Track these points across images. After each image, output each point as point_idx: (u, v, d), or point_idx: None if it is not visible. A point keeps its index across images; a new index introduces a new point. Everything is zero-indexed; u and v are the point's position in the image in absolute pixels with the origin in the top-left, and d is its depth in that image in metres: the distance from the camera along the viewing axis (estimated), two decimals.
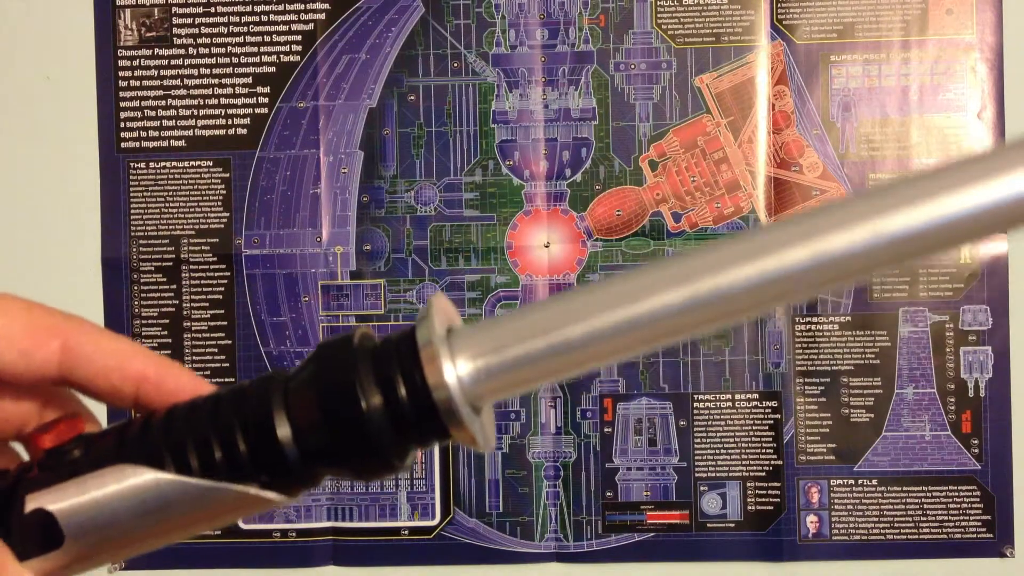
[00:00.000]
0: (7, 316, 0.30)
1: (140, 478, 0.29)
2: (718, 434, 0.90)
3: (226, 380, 0.92)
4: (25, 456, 0.32)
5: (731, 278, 0.27)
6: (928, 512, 0.89)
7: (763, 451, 0.90)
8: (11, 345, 0.30)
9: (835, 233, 0.27)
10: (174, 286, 0.92)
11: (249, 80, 0.92)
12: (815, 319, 0.90)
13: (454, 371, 0.28)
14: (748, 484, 0.90)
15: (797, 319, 0.90)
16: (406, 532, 0.91)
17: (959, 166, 0.27)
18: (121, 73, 0.92)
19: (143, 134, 0.92)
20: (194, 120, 0.92)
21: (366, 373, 0.29)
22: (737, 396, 0.90)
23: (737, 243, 0.28)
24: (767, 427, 0.90)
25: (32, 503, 0.29)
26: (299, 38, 0.92)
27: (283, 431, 0.29)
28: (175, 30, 0.92)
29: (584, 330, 0.28)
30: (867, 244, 0.27)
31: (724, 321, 0.28)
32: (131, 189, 0.92)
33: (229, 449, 0.29)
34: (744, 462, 0.90)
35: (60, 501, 0.29)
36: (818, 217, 0.27)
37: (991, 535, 0.89)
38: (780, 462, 0.90)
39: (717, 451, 0.90)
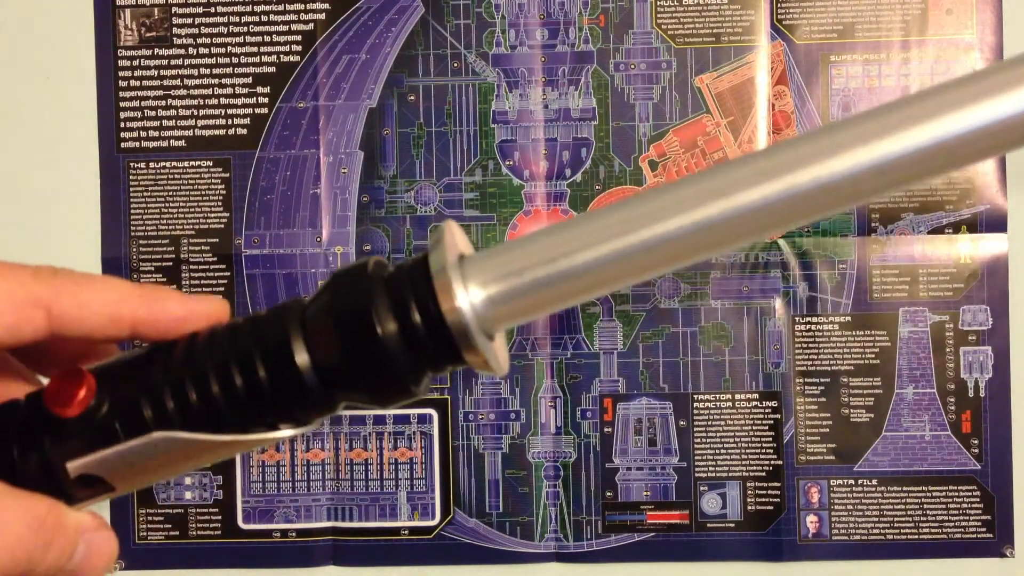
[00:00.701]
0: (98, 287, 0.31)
1: (173, 441, 0.30)
2: (718, 434, 0.90)
3: None
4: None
5: (736, 201, 0.28)
6: (928, 512, 0.89)
7: (763, 451, 0.90)
8: None
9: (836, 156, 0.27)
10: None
11: (249, 80, 0.92)
12: (815, 319, 0.90)
13: (467, 297, 0.28)
14: (748, 484, 0.90)
15: (797, 319, 0.90)
16: (406, 532, 0.91)
17: (962, 82, 0.27)
18: (121, 73, 0.92)
19: (143, 134, 0.92)
20: (194, 120, 0.92)
21: (381, 299, 0.29)
22: (737, 396, 0.90)
23: (741, 166, 0.28)
24: (767, 427, 0.90)
25: (76, 471, 0.30)
26: (299, 38, 0.92)
27: (301, 357, 0.29)
28: (175, 30, 0.92)
29: (593, 255, 0.28)
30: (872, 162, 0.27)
31: (729, 244, 0.28)
32: (131, 189, 0.92)
33: (251, 387, 0.29)
34: (744, 462, 0.90)
35: (103, 466, 0.30)
36: (826, 135, 0.28)
37: (991, 535, 0.89)
38: (780, 462, 0.90)
39: (717, 451, 0.90)
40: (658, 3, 0.90)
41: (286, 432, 0.30)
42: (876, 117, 0.28)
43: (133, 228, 0.92)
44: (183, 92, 0.92)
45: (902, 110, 0.28)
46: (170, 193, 0.92)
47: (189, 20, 0.92)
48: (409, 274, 0.30)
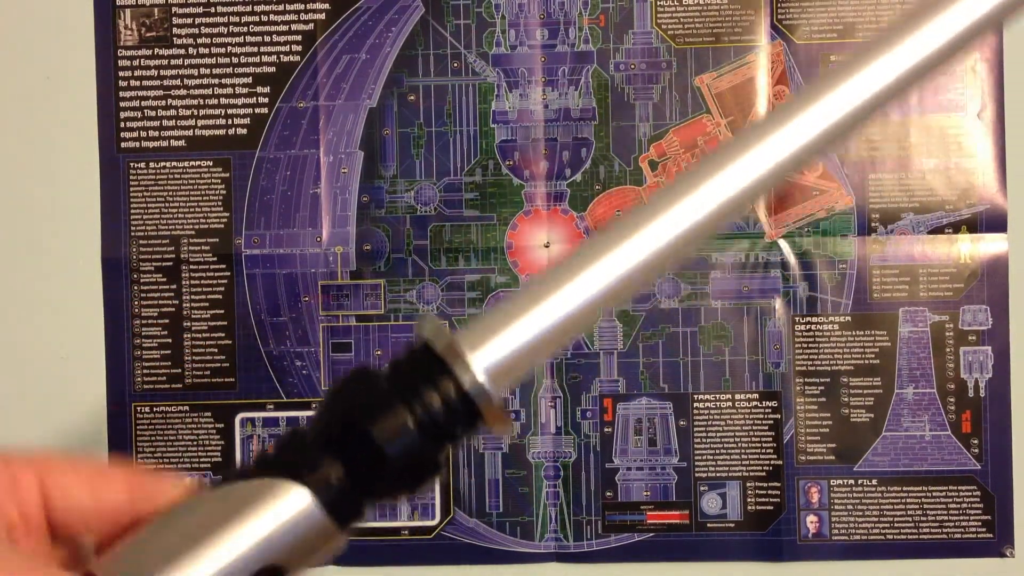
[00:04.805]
0: (73, 469, 0.31)
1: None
2: (718, 434, 0.90)
3: (226, 380, 0.92)
4: None
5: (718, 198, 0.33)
6: (928, 512, 0.89)
7: (763, 451, 0.90)
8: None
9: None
10: (174, 286, 0.92)
11: (249, 80, 0.92)
12: (815, 319, 0.90)
13: (480, 365, 0.30)
14: (748, 484, 0.90)
15: (797, 319, 0.90)
16: (406, 532, 0.91)
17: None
18: (121, 73, 0.92)
19: (143, 134, 0.92)
20: (194, 120, 0.92)
21: (398, 394, 0.30)
22: (737, 396, 0.90)
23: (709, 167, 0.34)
24: (767, 427, 0.90)
25: None
26: (299, 38, 0.92)
27: (336, 473, 0.30)
28: (175, 30, 0.92)
29: (568, 299, 0.31)
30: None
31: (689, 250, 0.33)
32: (131, 189, 0.92)
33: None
34: (744, 462, 0.90)
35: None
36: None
37: (991, 535, 0.89)
38: (780, 462, 0.90)
39: (717, 451, 0.90)
40: (658, 3, 0.90)
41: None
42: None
43: (133, 228, 0.92)
44: (183, 92, 0.92)
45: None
46: (170, 193, 0.92)
47: (189, 20, 0.92)
48: (415, 361, 0.31)
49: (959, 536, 0.89)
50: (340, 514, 0.31)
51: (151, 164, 0.92)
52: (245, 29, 0.92)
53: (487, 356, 0.31)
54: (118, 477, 0.32)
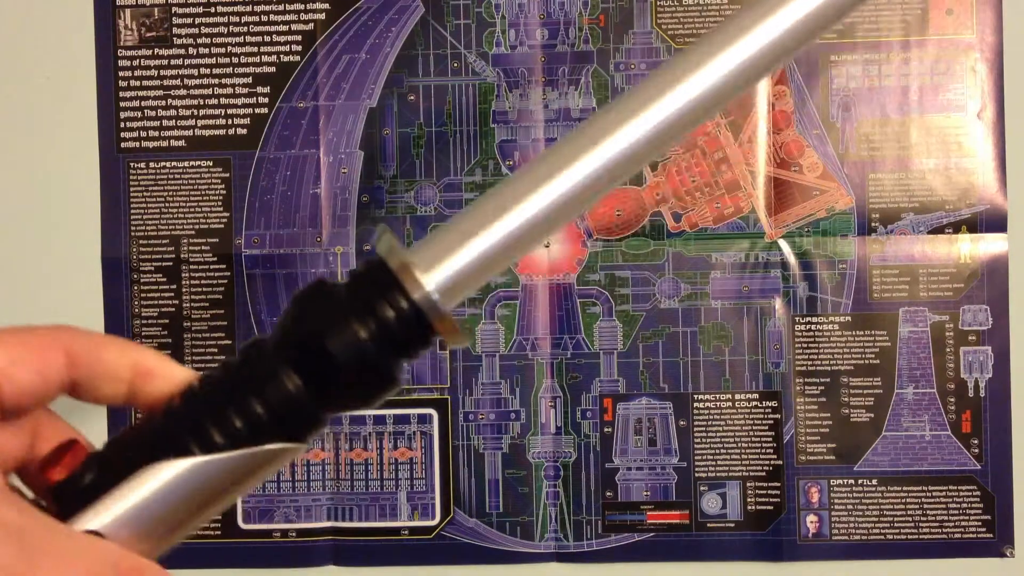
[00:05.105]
0: (10, 344, 0.31)
1: (174, 469, 0.30)
2: (718, 434, 0.90)
3: None
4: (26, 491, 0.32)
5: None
6: (928, 512, 0.89)
7: (763, 451, 0.90)
8: (27, 368, 0.31)
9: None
10: (174, 286, 0.92)
11: (249, 80, 0.92)
12: (815, 319, 0.90)
13: (430, 279, 0.32)
14: (748, 484, 0.90)
15: (797, 319, 0.90)
16: (406, 532, 0.91)
17: None
18: (121, 73, 0.92)
19: (143, 134, 0.92)
20: (194, 120, 0.92)
21: (351, 307, 0.31)
22: (737, 396, 0.90)
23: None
24: (767, 427, 0.90)
25: (80, 527, 0.30)
26: (299, 38, 0.92)
27: (293, 383, 0.31)
28: (175, 30, 0.92)
29: (517, 213, 0.33)
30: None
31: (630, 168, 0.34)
32: (131, 189, 0.92)
33: (246, 415, 0.31)
34: (744, 462, 0.90)
35: (105, 517, 0.30)
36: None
37: (991, 535, 0.89)
38: (780, 462, 0.90)
39: (717, 451, 0.90)
40: (658, 3, 0.90)
41: (283, 445, 0.32)
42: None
43: (133, 228, 0.92)
44: (183, 92, 0.92)
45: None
46: (170, 193, 0.92)
47: (189, 20, 0.92)
48: (369, 276, 0.32)
49: (959, 536, 0.89)
50: (296, 426, 0.32)
51: (151, 164, 0.92)
52: (245, 29, 0.92)
53: (439, 271, 0.32)
54: (56, 345, 0.32)
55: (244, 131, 0.92)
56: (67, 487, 0.30)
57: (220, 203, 0.92)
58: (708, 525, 0.90)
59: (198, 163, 0.92)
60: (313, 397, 0.31)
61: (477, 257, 0.32)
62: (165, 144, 0.92)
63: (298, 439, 0.32)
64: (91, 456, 0.31)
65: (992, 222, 0.89)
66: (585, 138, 0.33)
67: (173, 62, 0.92)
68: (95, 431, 0.33)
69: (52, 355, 0.32)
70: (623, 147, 0.33)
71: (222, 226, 0.92)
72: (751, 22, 0.33)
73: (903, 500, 0.90)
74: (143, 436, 0.31)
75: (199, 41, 0.92)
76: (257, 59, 0.92)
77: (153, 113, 0.92)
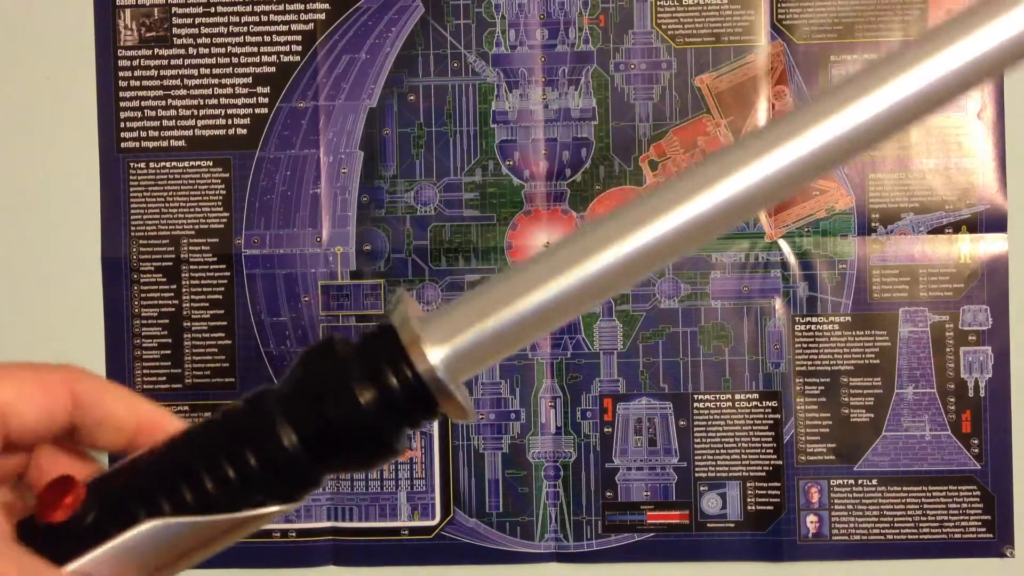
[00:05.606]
0: (19, 380, 0.31)
1: (164, 530, 0.31)
2: (718, 434, 0.90)
3: (226, 380, 0.92)
4: None
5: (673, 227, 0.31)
6: (928, 512, 0.89)
7: (763, 451, 0.90)
8: (35, 404, 0.31)
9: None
10: (174, 286, 0.92)
11: (249, 80, 0.92)
12: (815, 319, 0.90)
13: (437, 353, 0.31)
14: (748, 484, 0.90)
15: (797, 319, 0.90)
16: (406, 532, 0.91)
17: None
18: (121, 73, 0.92)
19: (143, 134, 0.92)
20: (194, 120, 0.92)
21: (356, 371, 0.31)
22: (737, 396, 0.90)
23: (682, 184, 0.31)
24: (767, 427, 0.90)
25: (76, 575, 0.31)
26: (299, 38, 0.92)
27: (289, 438, 0.31)
28: (175, 30, 0.92)
29: (539, 297, 0.31)
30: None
31: (656, 267, 0.32)
32: (131, 189, 0.92)
33: (239, 466, 0.31)
34: (744, 462, 0.90)
35: (102, 568, 0.31)
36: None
37: (991, 535, 0.89)
38: (780, 462, 0.90)
39: (717, 451, 0.90)
40: (658, 3, 0.90)
41: (275, 508, 0.32)
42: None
43: (133, 228, 0.92)
44: (183, 92, 0.92)
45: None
46: (170, 193, 0.92)
47: (189, 20, 0.92)
48: (378, 343, 0.32)
49: (959, 536, 0.89)
50: (288, 483, 0.32)
51: (151, 164, 0.92)
52: (245, 29, 0.92)
53: (450, 347, 0.31)
54: (64, 386, 0.32)
55: (244, 131, 0.92)
56: (65, 530, 0.31)
57: (220, 203, 0.92)
58: (708, 525, 0.90)
59: (198, 163, 0.92)
60: (309, 456, 0.31)
61: (490, 338, 0.31)
62: (165, 144, 0.92)
63: (290, 497, 0.32)
64: (88, 498, 0.31)
65: (992, 222, 0.89)
66: (621, 222, 0.31)
67: (173, 62, 0.92)
68: None
69: (59, 394, 0.32)
70: (663, 234, 0.31)
71: (222, 226, 0.92)
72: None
73: (903, 500, 0.90)
74: (138, 482, 0.32)
75: (199, 41, 0.92)
76: (257, 59, 0.92)
77: (153, 113, 0.92)
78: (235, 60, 0.92)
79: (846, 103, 0.30)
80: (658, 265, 0.32)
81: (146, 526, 0.31)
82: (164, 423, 0.33)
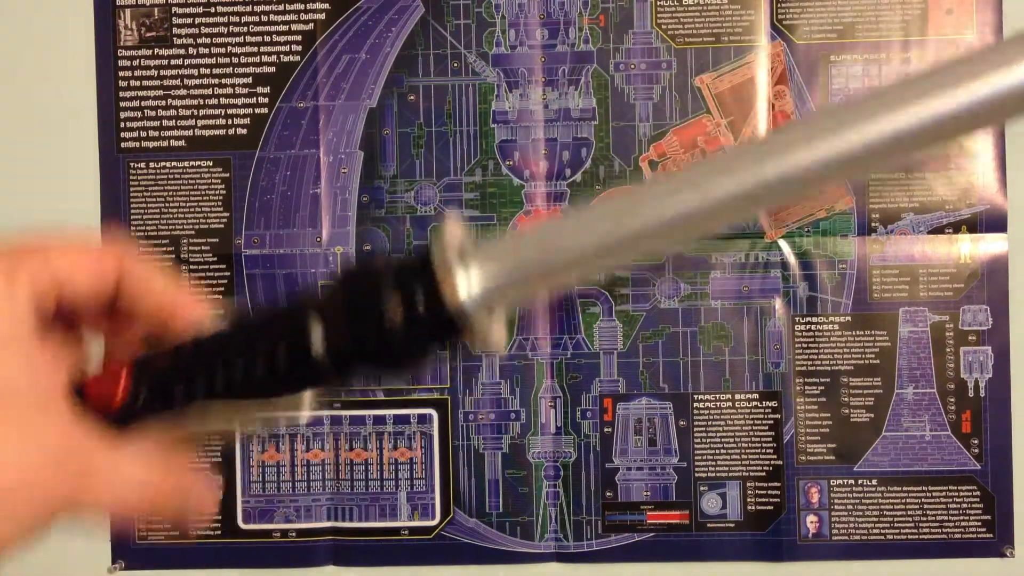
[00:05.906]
0: (72, 250, 0.33)
1: (193, 410, 0.34)
2: (718, 434, 0.90)
3: None
4: None
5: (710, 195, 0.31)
6: (928, 512, 0.89)
7: (763, 451, 0.90)
8: (87, 273, 0.33)
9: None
10: None
11: (249, 80, 0.92)
12: (815, 319, 0.90)
13: (466, 281, 0.32)
14: (748, 484, 0.90)
15: (797, 319, 0.90)
16: (406, 532, 0.91)
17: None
18: (121, 73, 0.92)
19: (143, 134, 0.92)
20: (194, 120, 0.92)
21: (388, 287, 0.33)
22: (737, 396, 0.90)
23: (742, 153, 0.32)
24: (767, 427, 0.90)
25: None
26: (299, 38, 0.92)
27: (316, 347, 0.33)
28: (175, 30, 0.92)
29: (574, 244, 0.32)
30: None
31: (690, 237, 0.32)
32: (131, 189, 0.92)
33: (268, 359, 0.34)
34: (744, 462, 0.90)
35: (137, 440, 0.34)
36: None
37: (991, 535, 0.89)
38: (780, 462, 0.90)
39: (717, 451, 0.90)
40: (658, 3, 0.90)
41: (302, 399, 0.34)
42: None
43: (133, 228, 0.92)
44: (183, 92, 0.92)
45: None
46: (170, 193, 0.92)
47: (189, 20, 0.92)
48: (412, 266, 0.33)
49: (959, 536, 0.89)
50: (311, 382, 0.34)
51: (151, 164, 0.92)
52: (245, 29, 0.92)
53: (482, 278, 0.32)
54: (110, 259, 0.33)
55: (244, 131, 0.92)
56: (124, 411, 0.33)
57: (220, 203, 0.92)
58: (708, 525, 0.90)
59: (198, 163, 0.92)
60: (334, 362, 0.33)
61: (524, 272, 0.32)
62: (165, 144, 0.92)
63: (314, 390, 0.34)
64: (135, 380, 0.34)
65: (992, 222, 0.89)
66: (679, 182, 0.32)
67: (173, 62, 0.92)
68: None
69: (109, 264, 0.33)
70: (720, 194, 0.31)
71: (222, 226, 0.92)
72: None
73: (903, 500, 0.90)
74: (182, 365, 0.34)
75: (199, 41, 0.92)
76: (257, 59, 0.92)
77: (153, 113, 0.92)
78: (235, 60, 0.92)
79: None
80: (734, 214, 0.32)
81: (188, 407, 0.33)
82: (197, 308, 0.36)
